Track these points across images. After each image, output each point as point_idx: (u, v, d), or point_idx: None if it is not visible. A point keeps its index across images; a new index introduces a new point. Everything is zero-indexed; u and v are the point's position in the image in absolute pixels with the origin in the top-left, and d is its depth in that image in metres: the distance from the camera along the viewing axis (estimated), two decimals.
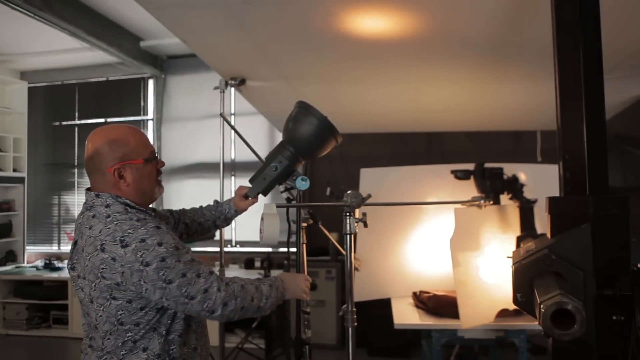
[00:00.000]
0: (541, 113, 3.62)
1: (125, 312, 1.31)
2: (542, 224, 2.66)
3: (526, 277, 1.16)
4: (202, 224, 1.78)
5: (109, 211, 1.35)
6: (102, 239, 1.30)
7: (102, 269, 1.29)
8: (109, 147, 1.36)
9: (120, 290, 1.30)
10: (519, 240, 2.46)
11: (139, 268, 1.27)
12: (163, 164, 1.48)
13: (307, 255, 2.67)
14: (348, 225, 1.73)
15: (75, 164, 6.06)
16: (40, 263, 5.74)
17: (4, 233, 5.78)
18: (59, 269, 5.56)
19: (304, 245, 2.57)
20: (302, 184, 1.62)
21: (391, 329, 2.70)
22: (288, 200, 1.66)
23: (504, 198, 2.75)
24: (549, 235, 1.22)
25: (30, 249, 6.05)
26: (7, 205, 5.83)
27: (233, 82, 3.13)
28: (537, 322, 1.01)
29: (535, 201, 2.68)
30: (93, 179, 1.40)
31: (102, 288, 1.30)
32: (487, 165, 2.74)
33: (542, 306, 0.98)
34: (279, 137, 1.70)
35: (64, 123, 6.13)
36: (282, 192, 1.67)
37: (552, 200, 1.22)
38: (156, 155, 1.46)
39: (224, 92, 3.20)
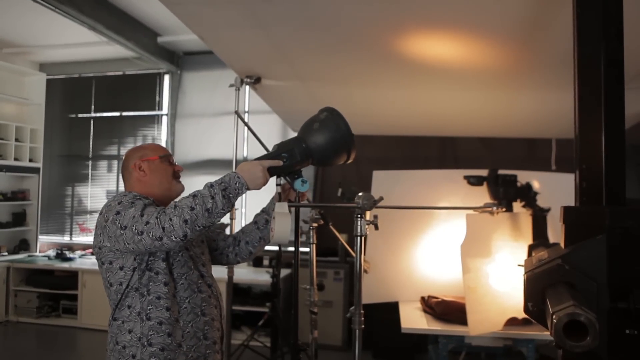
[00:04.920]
0: (557, 121, 3.58)
1: (110, 273, 1.51)
2: (555, 233, 2.63)
3: (538, 286, 1.15)
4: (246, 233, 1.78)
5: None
6: None
7: (93, 239, 1.54)
8: (132, 152, 1.69)
9: (102, 253, 1.51)
10: (531, 248, 2.44)
11: (104, 225, 1.48)
12: (181, 168, 1.70)
13: (316, 255, 2.69)
14: (359, 227, 1.71)
15: (90, 156, 6.13)
16: (52, 253, 5.81)
17: (18, 222, 5.87)
18: (70, 259, 5.62)
19: (314, 246, 2.59)
20: (302, 185, 1.55)
21: (397, 333, 2.69)
22: (279, 196, 1.61)
23: (517, 205, 2.72)
24: (562, 244, 1.21)
25: (43, 239, 6.13)
26: (22, 195, 5.91)
27: (248, 80, 3.14)
28: (546, 332, 1.00)
29: (548, 210, 2.65)
30: (125, 181, 1.66)
31: (96, 256, 1.54)
32: (501, 171, 2.72)
33: (554, 317, 0.97)
34: (292, 136, 1.69)
35: (80, 115, 6.20)
36: (277, 185, 1.63)
37: (567, 210, 1.21)
38: (172, 158, 1.68)
39: (239, 89, 3.20)
